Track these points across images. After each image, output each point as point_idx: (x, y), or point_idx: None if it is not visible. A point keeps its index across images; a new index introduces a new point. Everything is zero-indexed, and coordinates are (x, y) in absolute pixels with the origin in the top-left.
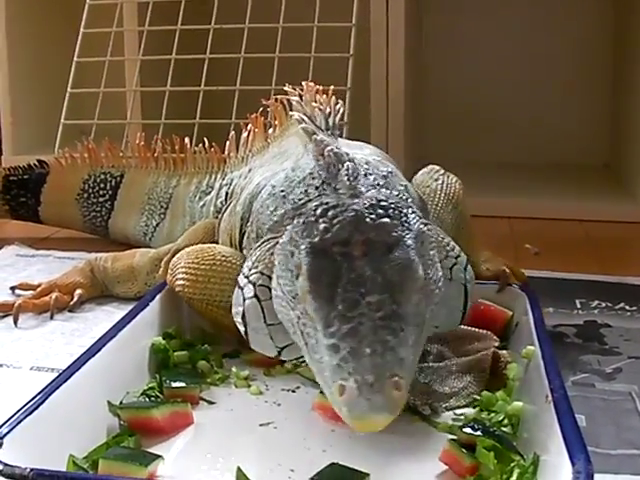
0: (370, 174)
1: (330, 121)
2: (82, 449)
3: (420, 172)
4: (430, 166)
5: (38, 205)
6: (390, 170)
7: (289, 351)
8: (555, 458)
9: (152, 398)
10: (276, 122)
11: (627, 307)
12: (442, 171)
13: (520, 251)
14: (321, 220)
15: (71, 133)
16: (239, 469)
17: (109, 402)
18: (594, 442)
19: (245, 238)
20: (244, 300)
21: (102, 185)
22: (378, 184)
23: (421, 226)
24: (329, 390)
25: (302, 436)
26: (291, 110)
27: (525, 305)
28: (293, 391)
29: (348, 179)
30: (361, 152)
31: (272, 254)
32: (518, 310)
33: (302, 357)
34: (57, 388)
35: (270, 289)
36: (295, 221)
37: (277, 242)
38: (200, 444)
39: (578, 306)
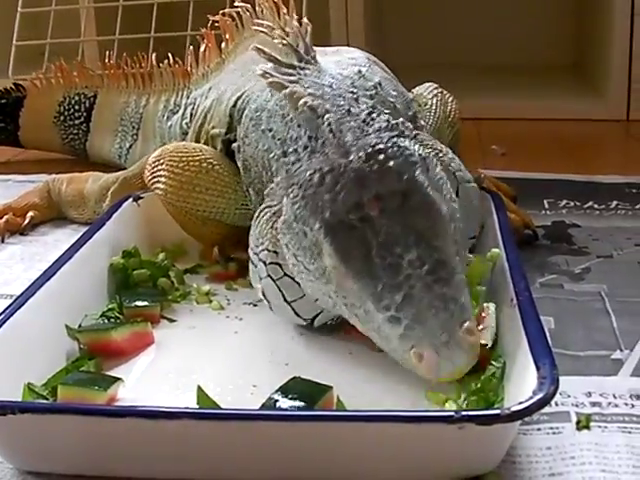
0: (354, 108)
1: (301, 48)
2: (42, 376)
3: (416, 88)
4: (428, 83)
5: (17, 130)
6: (376, 83)
7: (321, 318)
8: (521, 363)
9: (111, 319)
10: (227, 36)
11: (596, 206)
12: (440, 89)
13: (486, 152)
14: (322, 190)
15: (29, 55)
16: (199, 388)
17: (67, 326)
18: (563, 344)
19: (240, 167)
20: (260, 279)
21: (77, 107)
22: (364, 121)
23: (421, 151)
24: (400, 357)
25: (263, 350)
26: (241, 23)
27: (490, 207)
28: (255, 305)
29: (333, 135)
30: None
31: (272, 227)
32: (483, 213)
33: (338, 317)
34: (12, 315)
35: (281, 265)
36: (291, 194)
37: (274, 213)
38: (161, 364)
39: (546, 206)
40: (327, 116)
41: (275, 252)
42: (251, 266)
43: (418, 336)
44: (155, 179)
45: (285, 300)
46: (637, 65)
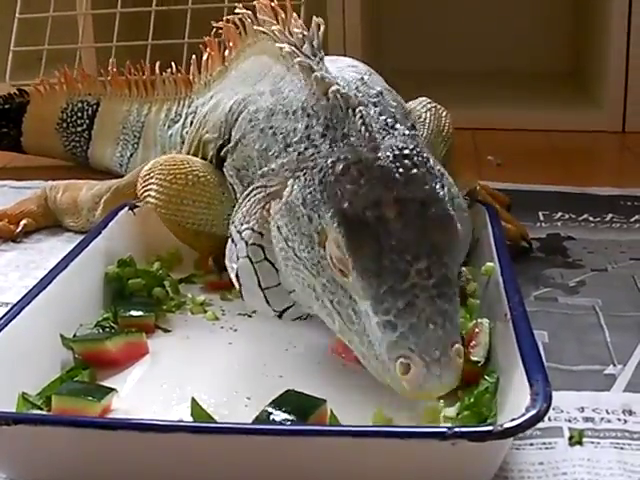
0: (379, 112)
1: (315, 44)
2: (36, 385)
3: (410, 102)
4: (421, 98)
5: (20, 136)
6: (378, 91)
7: (291, 313)
8: (514, 379)
9: (106, 329)
10: (230, 44)
11: (591, 218)
12: (434, 103)
13: (483, 163)
14: (345, 180)
15: (26, 60)
16: (193, 400)
17: (62, 335)
18: (556, 358)
19: (228, 169)
20: (238, 258)
21: (79, 114)
22: (386, 123)
23: (438, 166)
24: (381, 365)
25: (258, 362)
26: (244, 30)
27: (485, 219)
28: (249, 316)
29: (366, 128)
30: (350, 72)
31: (263, 208)
32: (478, 225)
33: (305, 316)
34: (7, 324)
35: (263, 248)
36: (304, 177)
37: (268, 194)
38: (156, 375)
39: (541, 218)
40: (360, 108)
41: (260, 234)
42: (230, 244)
43: (409, 346)
44: (146, 193)
45: (259, 285)
46: (633, 76)
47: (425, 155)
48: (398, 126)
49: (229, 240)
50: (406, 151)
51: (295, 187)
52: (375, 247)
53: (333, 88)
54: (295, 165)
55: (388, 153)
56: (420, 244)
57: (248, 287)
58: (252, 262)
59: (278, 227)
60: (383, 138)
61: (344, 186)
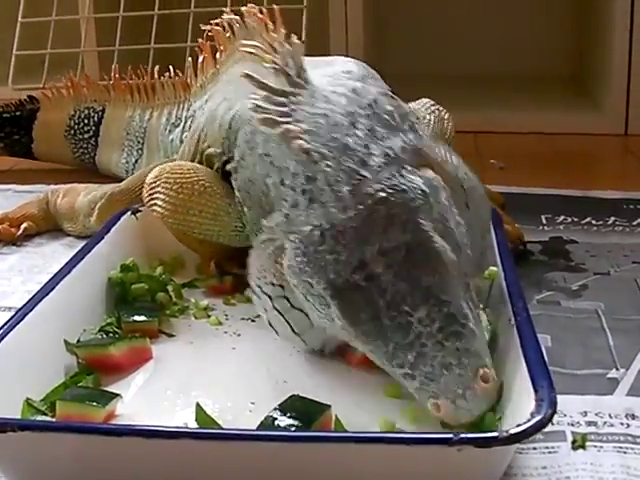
0: (351, 138)
1: (292, 70)
2: (40, 391)
3: (413, 103)
4: (424, 99)
5: (31, 142)
6: (371, 100)
7: (331, 345)
8: (519, 384)
9: (110, 334)
10: (221, 47)
11: (593, 222)
12: (437, 105)
13: (485, 166)
14: (323, 249)
15: (29, 64)
16: (198, 405)
17: (66, 341)
18: (559, 362)
19: (234, 185)
20: (266, 311)
21: (86, 121)
22: (362, 161)
23: (423, 186)
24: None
25: (262, 367)
26: (233, 33)
27: None
28: (253, 320)
29: (329, 187)
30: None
31: (276, 262)
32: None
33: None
34: (11, 329)
35: (288, 299)
36: (293, 242)
37: (277, 247)
38: (160, 380)
39: (544, 222)
40: (322, 163)
41: (281, 286)
42: (254, 297)
43: (433, 390)
44: (153, 201)
45: (293, 331)
46: (636, 79)
47: (401, 187)
48: (376, 151)
49: (252, 293)
50: (380, 194)
51: (290, 252)
52: (371, 310)
53: (296, 144)
54: (286, 227)
55: (360, 207)
56: (413, 292)
57: (283, 334)
58: (281, 313)
59: (294, 285)
60: (354, 188)
61: (324, 257)
